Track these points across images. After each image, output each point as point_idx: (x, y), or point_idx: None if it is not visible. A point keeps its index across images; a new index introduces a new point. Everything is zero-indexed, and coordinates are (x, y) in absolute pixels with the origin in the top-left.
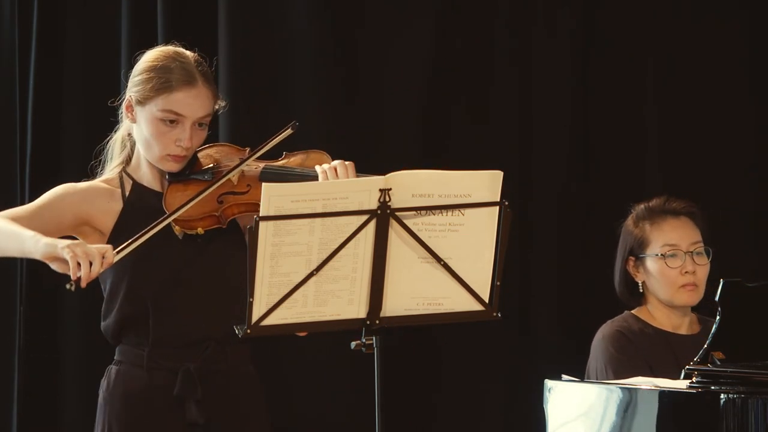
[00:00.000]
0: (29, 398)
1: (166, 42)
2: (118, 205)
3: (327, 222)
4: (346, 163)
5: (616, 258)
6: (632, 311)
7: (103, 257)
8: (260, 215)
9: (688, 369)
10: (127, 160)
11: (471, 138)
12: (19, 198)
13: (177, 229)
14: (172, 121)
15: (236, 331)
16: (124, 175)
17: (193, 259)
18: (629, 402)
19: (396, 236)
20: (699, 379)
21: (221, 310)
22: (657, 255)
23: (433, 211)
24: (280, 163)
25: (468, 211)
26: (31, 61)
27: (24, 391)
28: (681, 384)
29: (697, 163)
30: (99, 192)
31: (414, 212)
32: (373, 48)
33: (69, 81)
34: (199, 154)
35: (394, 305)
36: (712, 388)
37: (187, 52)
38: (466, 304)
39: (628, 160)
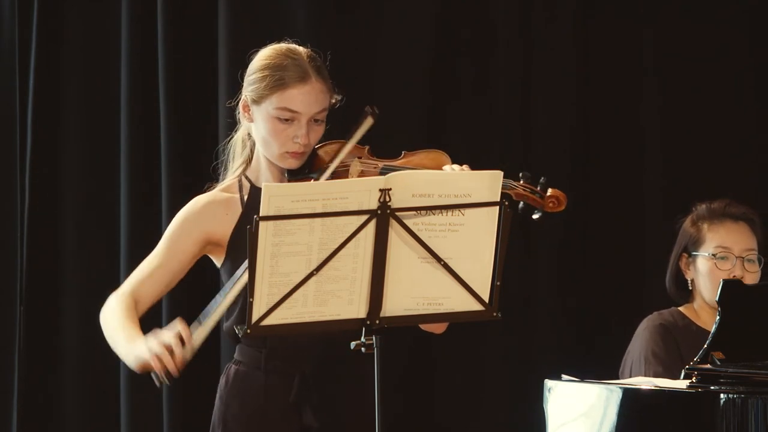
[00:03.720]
0: (29, 398)
1: (166, 42)
2: (236, 212)
3: (327, 222)
4: (464, 166)
5: (672, 253)
6: (679, 308)
7: (181, 338)
8: (260, 215)
9: (687, 369)
10: (248, 161)
11: (471, 137)
12: (19, 199)
13: None
14: (288, 119)
15: (236, 331)
16: (243, 178)
17: None
18: (629, 402)
19: (396, 236)
20: (699, 379)
21: None
22: (709, 255)
23: (433, 211)
24: (398, 162)
25: (468, 211)
26: (31, 61)
27: (24, 391)
28: (681, 384)
29: (696, 162)
30: (215, 205)
31: (414, 212)
32: (373, 48)
33: (69, 81)
34: (319, 151)
35: (394, 305)
36: (712, 388)
37: (300, 48)
38: (466, 304)
39: (628, 161)
